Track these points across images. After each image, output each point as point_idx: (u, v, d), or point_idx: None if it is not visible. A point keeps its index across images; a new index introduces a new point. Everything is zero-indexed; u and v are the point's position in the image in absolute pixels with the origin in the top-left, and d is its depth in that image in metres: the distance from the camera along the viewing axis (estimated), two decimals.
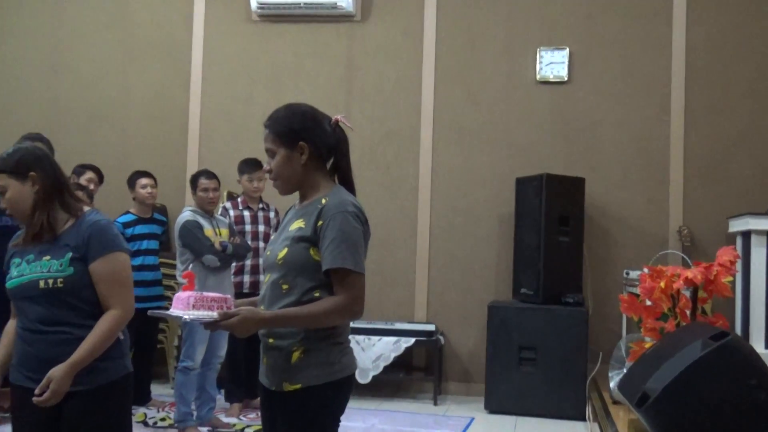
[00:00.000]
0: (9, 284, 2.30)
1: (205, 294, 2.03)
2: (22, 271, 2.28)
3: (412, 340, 5.37)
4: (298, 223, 2.11)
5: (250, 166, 5.00)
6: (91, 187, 5.08)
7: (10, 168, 2.28)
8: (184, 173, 5.95)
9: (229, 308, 2.03)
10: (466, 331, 5.73)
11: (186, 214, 4.61)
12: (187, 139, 6.09)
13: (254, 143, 5.64)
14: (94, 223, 2.30)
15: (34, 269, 2.26)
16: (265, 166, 2.19)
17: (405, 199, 5.88)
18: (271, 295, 2.10)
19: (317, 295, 2.05)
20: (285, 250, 2.08)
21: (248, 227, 5.01)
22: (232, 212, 5.00)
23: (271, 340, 2.09)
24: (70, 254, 2.25)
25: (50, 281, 2.22)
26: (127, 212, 5.08)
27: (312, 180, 2.15)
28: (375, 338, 5.38)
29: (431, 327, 5.49)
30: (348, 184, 2.19)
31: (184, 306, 2.02)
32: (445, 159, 5.85)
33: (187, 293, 2.04)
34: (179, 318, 2.01)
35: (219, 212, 4.88)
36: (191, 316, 1.98)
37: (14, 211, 2.31)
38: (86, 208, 2.38)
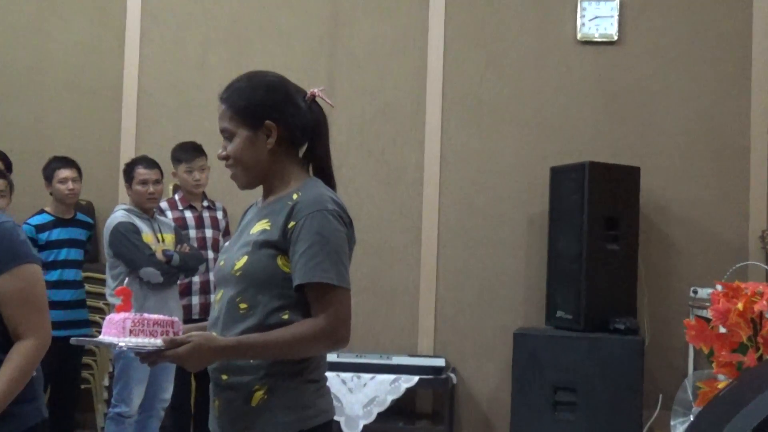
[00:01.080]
0: None
1: (146, 316, 2.04)
2: None
3: (415, 379, 5.37)
4: (262, 225, 2.11)
5: (187, 152, 5.00)
6: None
7: None
8: (117, 161, 5.92)
9: (176, 333, 2.04)
10: (484, 366, 5.72)
11: (118, 215, 4.61)
12: (120, 117, 6.08)
13: (208, 122, 5.62)
14: None
15: None
16: (220, 151, 2.19)
17: (406, 194, 5.88)
18: (226, 316, 2.11)
19: (285, 317, 2.06)
20: (244, 259, 2.09)
21: (192, 232, 5.02)
22: (170, 214, 5.01)
23: (224, 377, 2.09)
24: None
25: None
26: (42, 211, 5.07)
27: (280, 170, 2.16)
28: (366, 376, 5.37)
29: (440, 361, 5.49)
30: (326, 175, 2.20)
31: (118, 331, 2.02)
32: (458, 143, 5.84)
33: (123, 315, 2.05)
34: (112, 346, 2.01)
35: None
36: (128, 344, 1.99)
37: None
38: None
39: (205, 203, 5.14)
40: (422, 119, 5.87)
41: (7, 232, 2.30)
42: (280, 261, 2.07)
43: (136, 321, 2.02)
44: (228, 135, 2.17)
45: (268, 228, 2.10)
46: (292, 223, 2.06)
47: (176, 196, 5.14)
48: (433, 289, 5.81)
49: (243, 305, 2.08)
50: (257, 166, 2.15)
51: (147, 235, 4.59)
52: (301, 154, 2.21)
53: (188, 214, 5.05)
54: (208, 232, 5.07)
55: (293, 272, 2.05)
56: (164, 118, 6.06)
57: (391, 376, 5.37)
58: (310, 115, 2.18)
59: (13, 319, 2.26)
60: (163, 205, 5.04)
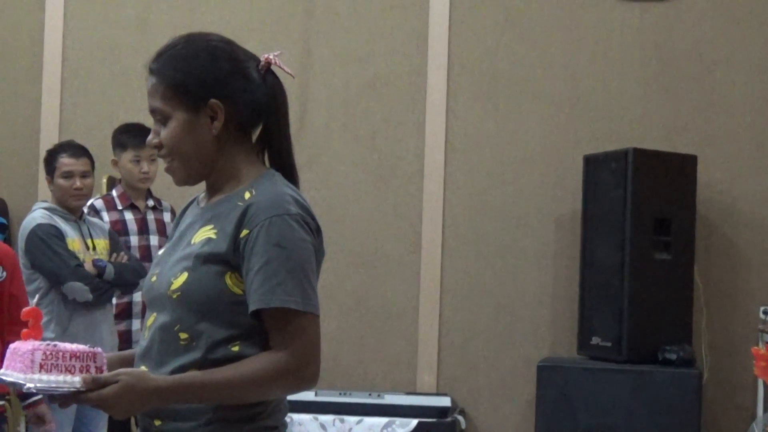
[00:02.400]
0: None
1: (61, 346, 2.02)
2: None
3: (413, 423, 5.37)
4: (206, 232, 2.11)
5: (135, 137, 4.98)
6: None
7: None
8: (37, 147, 5.93)
9: (99, 369, 2.03)
10: (501, 407, 5.73)
11: (37, 215, 4.60)
12: (40, 92, 6.07)
13: None
14: None
15: None
16: (152, 138, 2.19)
17: (402, 190, 5.88)
18: (161, 348, 2.10)
19: (235, 350, 2.05)
20: (183, 276, 2.08)
21: (134, 239, 5.02)
22: (106, 216, 5.00)
23: (157, 423, 2.09)
24: None
25: None
26: None
27: (228, 161, 2.16)
28: (352, 419, 5.38)
29: (445, 401, 5.50)
30: (285, 166, 2.20)
31: (25, 365, 2.00)
32: (468, 124, 5.84)
33: (31, 344, 2.03)
34: (17, 386, 2.00)
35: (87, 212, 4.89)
36: (37, 385, 1.97)
37: None
38: None
39: (150, 202, 5.13)
40: (422, 95, 5.86)
41: None
42: (229, 280, 2.07)
43: (48, 353, 1.99)
44: (161, 117, 2.17)
45: (213, 237, 2.09)
46: (244, 232, 2.05)
47: (114, 193, 5.12)
48: (437, 310, 5.80)
49: (183, 335, 2.07)
50: (199, 157, 2.14)
51: (73, 241, 4.58)
52: (254, 140, 2.21)
53: (129, 216, 5.04)
54: (153, 239, 5.06)
55: (248, 294, 2.05)
56: (95, 94, 6.04)
57: (384, 420, 5.37)
58: (264, 89, 2.17)
59: None
60: (98, 204, 5.03)
